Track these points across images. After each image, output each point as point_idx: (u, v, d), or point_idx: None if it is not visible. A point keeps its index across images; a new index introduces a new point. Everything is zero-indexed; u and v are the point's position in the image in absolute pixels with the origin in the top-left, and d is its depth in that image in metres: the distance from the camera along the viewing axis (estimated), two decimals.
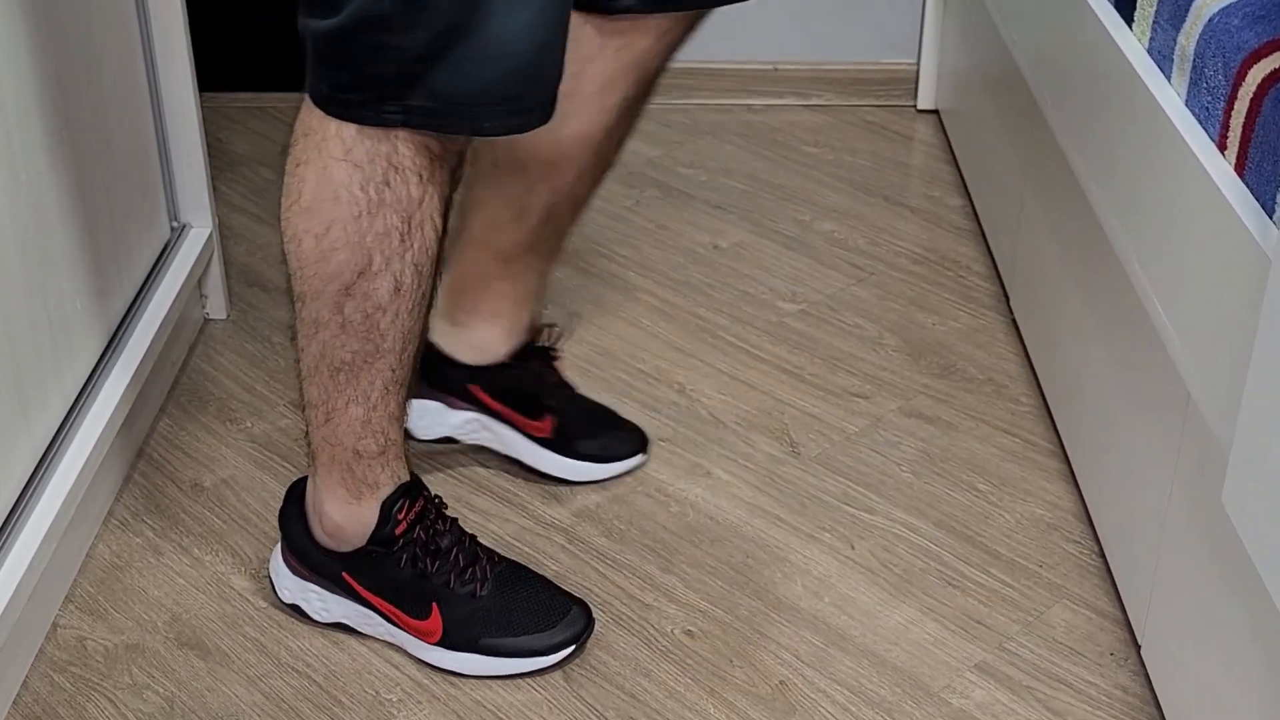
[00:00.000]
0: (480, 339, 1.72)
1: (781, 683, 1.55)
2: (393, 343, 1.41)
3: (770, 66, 2.73)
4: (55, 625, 1.61)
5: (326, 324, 1.40)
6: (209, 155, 2.06)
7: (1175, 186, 1.41)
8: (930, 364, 2.04)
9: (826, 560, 1.70)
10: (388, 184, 1.33)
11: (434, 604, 1.53)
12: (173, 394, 1.97)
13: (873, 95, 2.74)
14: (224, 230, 2.26)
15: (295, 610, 1.59)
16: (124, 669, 1.56)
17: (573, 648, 1.55)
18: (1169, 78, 1.50)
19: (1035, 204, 2.00)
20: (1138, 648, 1.57)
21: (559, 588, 1.59)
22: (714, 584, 1.67)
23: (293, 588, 1.58)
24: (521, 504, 1.78)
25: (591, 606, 1.62)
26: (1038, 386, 1.97)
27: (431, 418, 1.75)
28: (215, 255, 2.08)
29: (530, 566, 1.66)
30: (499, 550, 1.70)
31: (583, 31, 1.51)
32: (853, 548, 1.72)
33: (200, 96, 2.01)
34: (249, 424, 1.91)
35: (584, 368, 2.01)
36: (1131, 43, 1.59)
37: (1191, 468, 1.42)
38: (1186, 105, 1.45)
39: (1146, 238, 1.49)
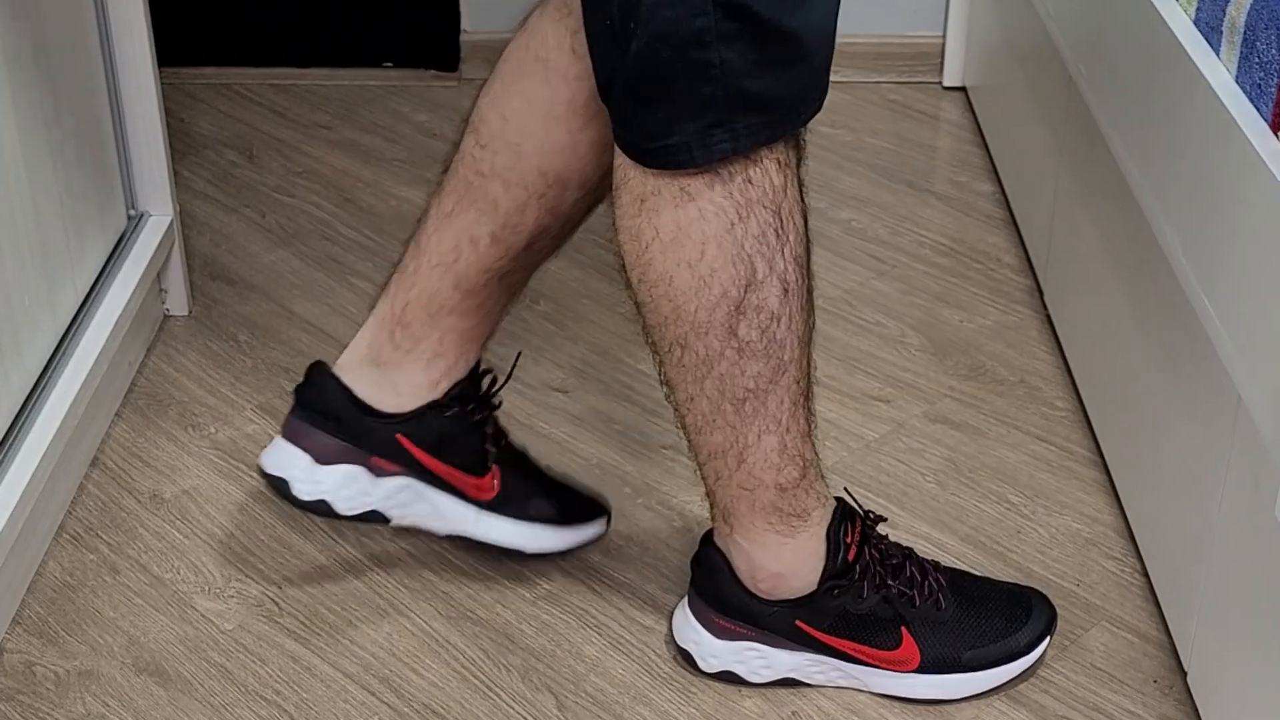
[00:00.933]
0: (409, 380, 1.58)
1: (794, 714, 1.55)
2: (792, 351, 1.40)
3: None
4: (2, 649, 1.61)
5: (720, 356, 1.38)
6: (169, 137, 2.06)
7: (1224, 171, 1.42)
8: (957, 365, 2.04)
9: None
10: (750, 181, 1.32)
11: (903, 629, 1.52)
12: (129, 397, 1.97)
13: (895, 71, 2.75)
14: (185, 219, 2.26)
15: (725, 676, 1.56)
16: (77, 697, 1.56)
17: (1049, 638, 1.57)
18: (1218, 52, 1.50)
19: (1071, 190, 2.00)
20: (1184, 674, 1.57)
21: (1004, 582, 1.61)
22: None
23: (722, 654, 1.55)
24: None
25: (586, 630, 1.63)
26: (1074, 389, 1.97)
27: (355, 488, 1.59)
28: (176, 246, 2.08)
29: (528, 586, 1.67)
30: (486, 566, 1.70)
31: None
32: None
33: (160, 72, 2.01)
34: (213, 430, 1.92)
35: (579, 368, 2.01)
36: (1176, 13, 1.59)
37: (1242, 478, 1.42)
38: (1237, 82, 1.45)
39: (1193, 227, 1.50)
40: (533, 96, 1.46)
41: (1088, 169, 1.92)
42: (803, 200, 1.38)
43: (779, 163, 1.34)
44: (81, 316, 1.87)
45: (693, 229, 1.33)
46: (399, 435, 1.58)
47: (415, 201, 2.38)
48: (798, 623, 1.53)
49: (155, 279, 2.05)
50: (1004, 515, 1.79)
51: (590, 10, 1.33)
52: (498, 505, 1.63)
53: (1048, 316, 2.11)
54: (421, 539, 1.74)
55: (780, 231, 1.35)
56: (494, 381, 1.63)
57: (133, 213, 2.05)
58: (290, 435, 1.59)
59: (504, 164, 1.49)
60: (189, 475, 1.85)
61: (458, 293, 1.54)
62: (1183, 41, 1.53)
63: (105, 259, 1.96)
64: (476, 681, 1.58)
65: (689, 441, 1.49)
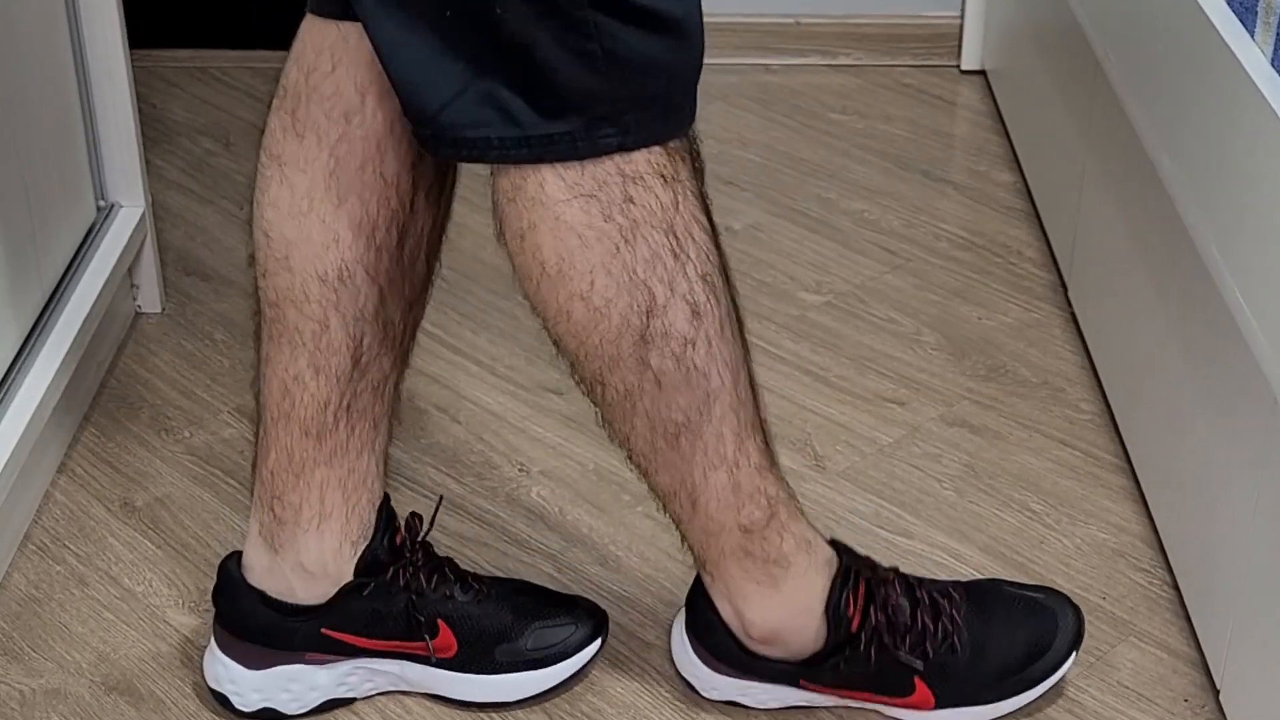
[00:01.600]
0: (309, 555, 1.50)
1: None
2: (719, 378, 1.37)
3: (791, 20, 2.73)
4: None
5: (639, 391, 1.36)
6: (141, 124, 2.06)
7: (1259, 159, 1.41)
8: (976, 365, 2.04)
9: None
10: (631, 201, 1.29)
11: (915, 679, 1.51)
12: (99, 399, 1.96)
13: (910, 54, 2.74)
14: (158, 211, 2.26)
15: (728, 705, 1.55)
16: (43, 716, 1.56)
17: (1075, 653, 1.55)
18: (1252, 33, 1.50)
19: (1098, 179, 2.00)
20: (1216, 693, 1.57)
21: (1028, 589, 1.59)
22: None
23: (725, 688, 1.54)
24: (502, 526, 1.78)
25: None
26: (1100, 391, 1.97)
27: (298, 687, 1.54)
28: (148, 239, 2.08)
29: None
30: None
31: (356, 59, 1.35)
32: None
33: (132, 55, 2.01)
34: (187, 434, 1.91)
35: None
36: None
37: (1278, 485, 1.42)
38: (1272, 65, 1.45)
39: (1226, 219, 1.49)
40: (278, 200, 1.41)
41: (1114, 157, 1.92)
42: (705, 216, 1.35)
43: (664, 179, 1.30)
44: (48, 314, 1.86)
45: (577, 259, 1.30)
46: (324, 630, 1.52)
47: None
48: (802, 681, 1.52)
49: (126, 274, 2.05)
50: (1025, 524, 1.79)
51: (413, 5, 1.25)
52: (462, 663, 1.55)
53: (1072, 314, 2.11)
54: None
55: (678, 251, 1.32)
56: (411, 529, 1.55)
57: (102, 204, 2.05)
58: (220, 643, 1.54)
59: (284, 284, 1.43)
60: (162, 482, 1.84)
61: (309, 440, 1.47)
62: (1215, 23, 1.53)
63: (73, 253, 1.96)
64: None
65: (646, 485, 1.47)
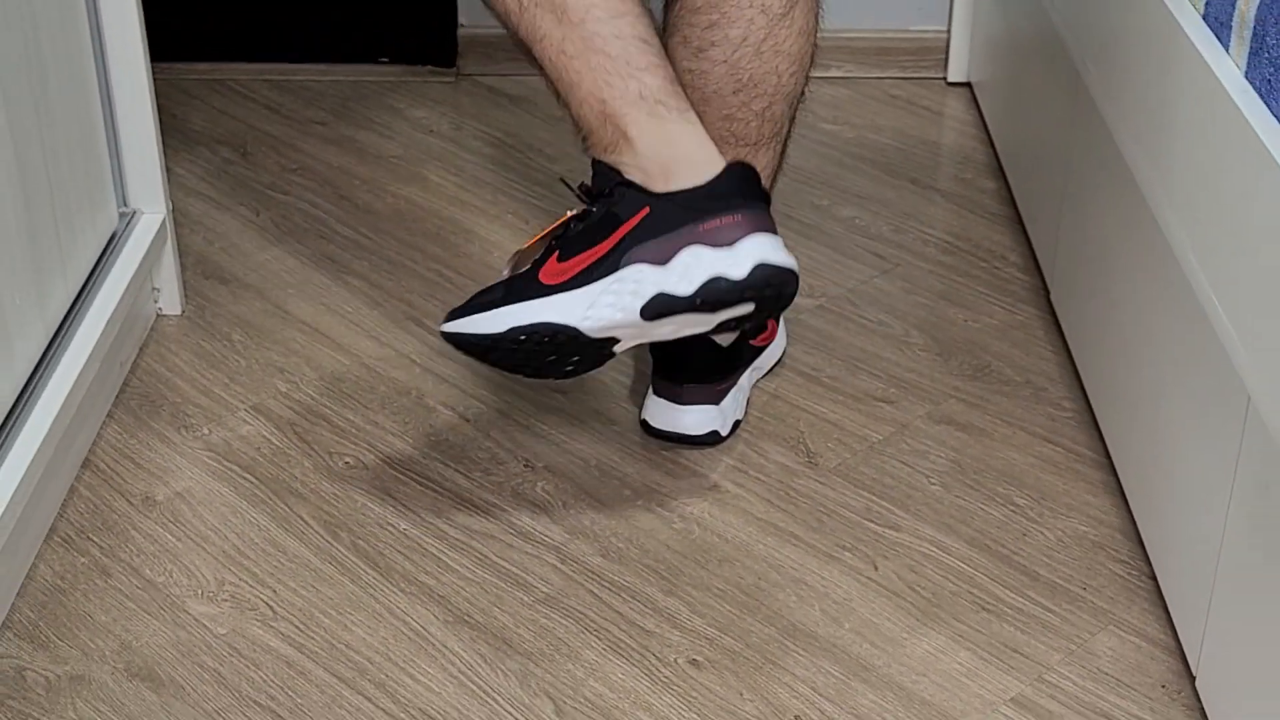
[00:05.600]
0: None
1: (796, 718, 1.55)
2: None
3: None
4: None
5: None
6: (162, 133, 2.06)
7: (1235, 169, 1.42)
8: (962, 365, 2.04)
9: (847, 582, 1.70)
10: None
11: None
12: (121, 398, 1.97)
13: (898, 66, 2.74)
14: (178, 216, 2.26)
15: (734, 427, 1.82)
16: (68, 702, 1.56)
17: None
18: (1227, 47, 1.50)
19: (1079, 188, 2.00)
20: (1192, 679, 1.57)
21: None
22: (722, 608, 1.67)
23: (729, 409, 1.88)
24: (509, 520, 1.78)
25: (585, 634, 1.63)
26: (1081, 390, 1.98)
27: None
28: (169, 244, 2.08)
29: (526, 590, 1.67)
30: (483, 569, 1.71)
31: None
32: (876, 568, 1.72)
33: (153, 67, 2.01)
34: (206, 431, 1.92)
35: None
36: (1185, 8, 1.59)
37: (1251, 480, 1.42)
38: (1246, 78, 1.45)
39: (1203, 226, 1.50)
40: None
41: (1095, 166, 1.92)
42: None
43: None
44: (72, 316, 1.87)
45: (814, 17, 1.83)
46: None
47: (412, 199, 2.37)
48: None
49: (147, 277, 2.05)
50: (1009, 518, 1.79)
51: None
52: None
53: (1054, 316, 2.11)
54: (417, 541, 1.74)
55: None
56: None
57: (125, 210, 2.05)
58: None
59: None
60: (182, 477, 1.85)
61: None
62: (1191, 36, 1.53)
63: (97, 257, 1.96)
64: (473, 686, 1.58)
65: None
